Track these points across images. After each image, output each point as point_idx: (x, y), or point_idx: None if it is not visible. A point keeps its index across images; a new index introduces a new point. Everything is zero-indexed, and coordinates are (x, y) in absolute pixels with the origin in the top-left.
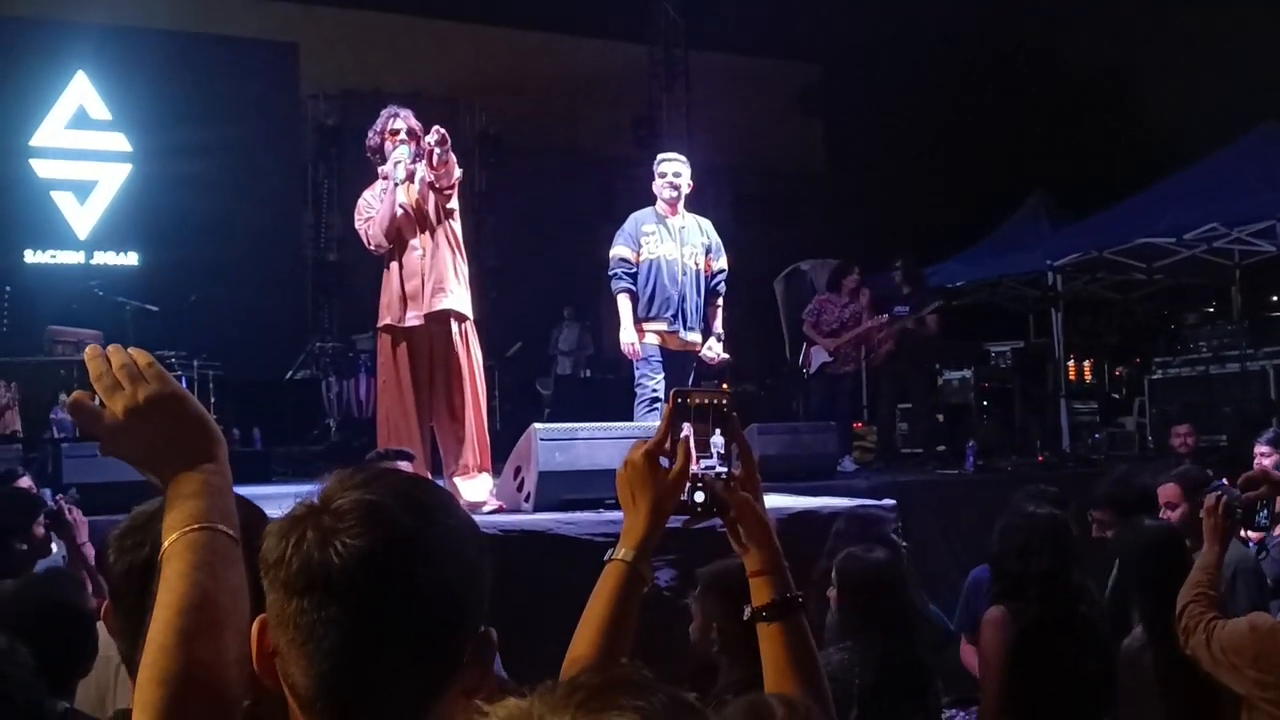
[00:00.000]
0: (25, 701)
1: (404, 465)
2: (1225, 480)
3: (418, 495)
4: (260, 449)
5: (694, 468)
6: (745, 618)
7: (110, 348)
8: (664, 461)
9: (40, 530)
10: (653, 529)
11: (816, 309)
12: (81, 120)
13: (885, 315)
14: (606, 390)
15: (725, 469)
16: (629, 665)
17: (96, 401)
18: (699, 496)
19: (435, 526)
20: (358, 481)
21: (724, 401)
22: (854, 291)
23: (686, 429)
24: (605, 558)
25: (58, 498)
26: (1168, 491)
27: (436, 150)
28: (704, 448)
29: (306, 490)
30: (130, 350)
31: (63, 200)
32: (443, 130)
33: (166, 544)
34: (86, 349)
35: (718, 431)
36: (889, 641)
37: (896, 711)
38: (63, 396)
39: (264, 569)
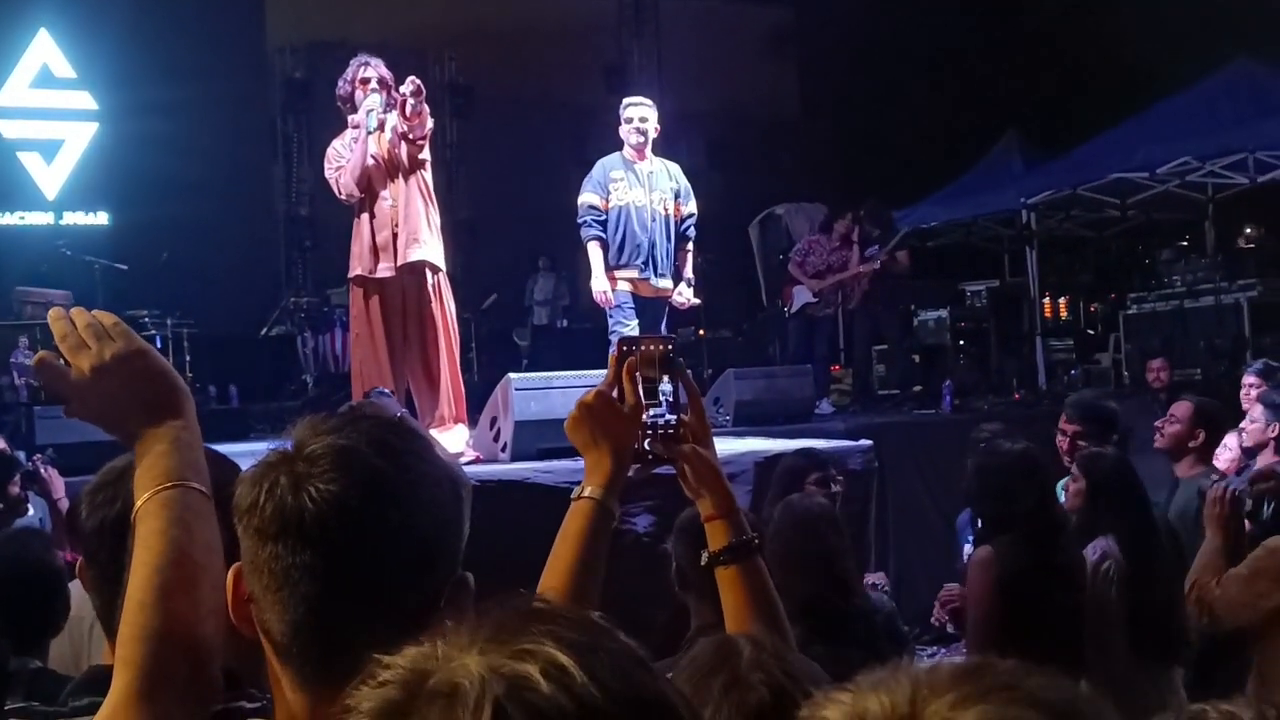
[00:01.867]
0: None
1: (385, 402)
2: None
3: (392, 440)
4: (237, 406)
5: (644, 416)
6: (702, 563)
7: (74, 309)
8: None
9: (15, 489)
10: (619, 466)
11: (805, 249)
12: (46, 79)
13: (875, 261)
14: (583, 339)
15: (674, 416)
16: (530, 594)
17: (62, 362)
18: (647, 444)
19: (409, 471)
20: (331, 426)
21: (669, 347)
22: (844, 237)
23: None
24: (572, 497)
25: (34, 458)
26: (1181, 408)
27: (410, 101)
28: (651, 395)
29: (272, 444)
30: (95, 311)
31: (30, 160)
32: (418, 81)
33: (139, 503)
34: (50, 311)
35: (665, 379)
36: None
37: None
38: (23, 340)
39: (237, 516)
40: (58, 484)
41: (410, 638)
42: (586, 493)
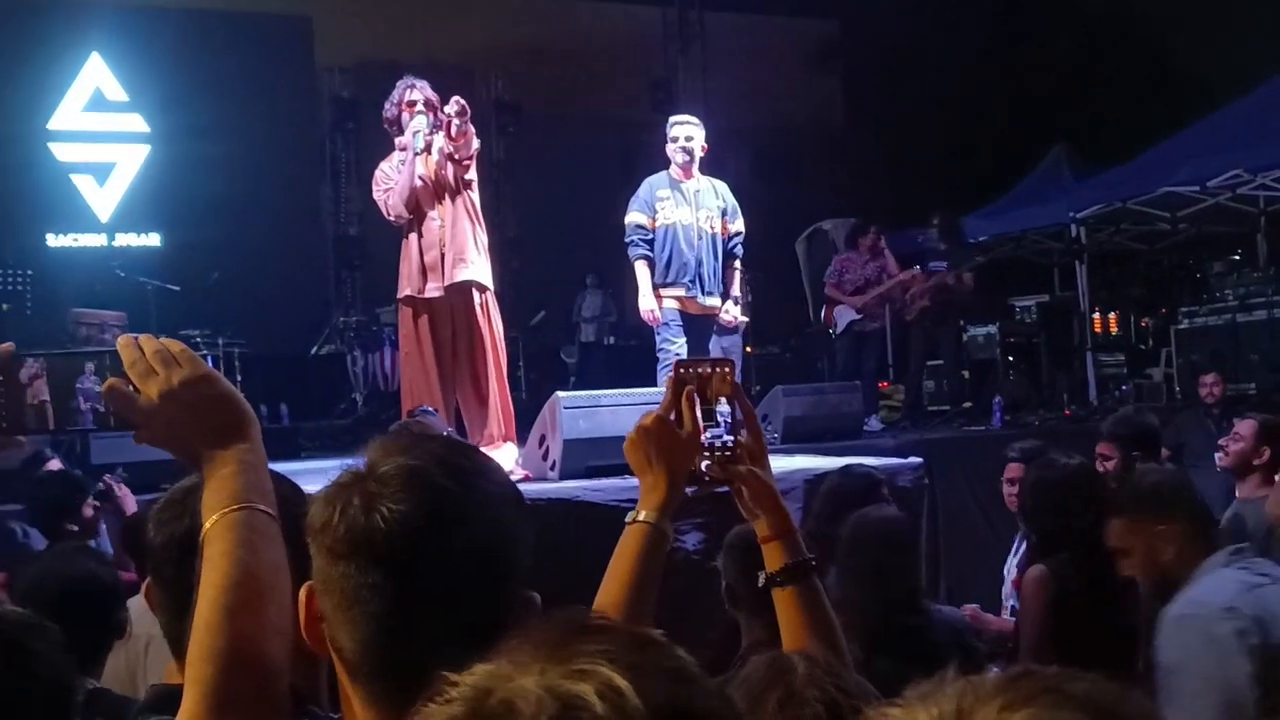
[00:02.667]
0: (52, 679)
1: (431, 420)
2: None
3: (459, 461)
4: (288, 425)
5: (702, 437)
6: (760, 584)
7: (142, 336)
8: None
9: (89, 511)
10: (673, 490)
11: (838, 269)
12: (99, 102)
13: (917, 268)
14: (630, 356)
15: (732, 438)
16: (583, 609)
17: (131, 388)
18: (704, 465)
19: (476, 491)
20: (401, 447)
21: (728, 370)
22: (872, 249)
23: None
24: (627, 520)
25: (105, 477)
26: (1246, 425)
27: (455, 121)
28: (709, 417)
29: (342, 463)
30: (163, 339)
31: (83, 183)
32: (462, 101)
33: (207, 525)
34: (119, 338)
35: (723, 400)
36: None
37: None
38: (89, 365)
39: (310, 534)
40: (129, 502)
41: (480, 655)
42: (641, 516)
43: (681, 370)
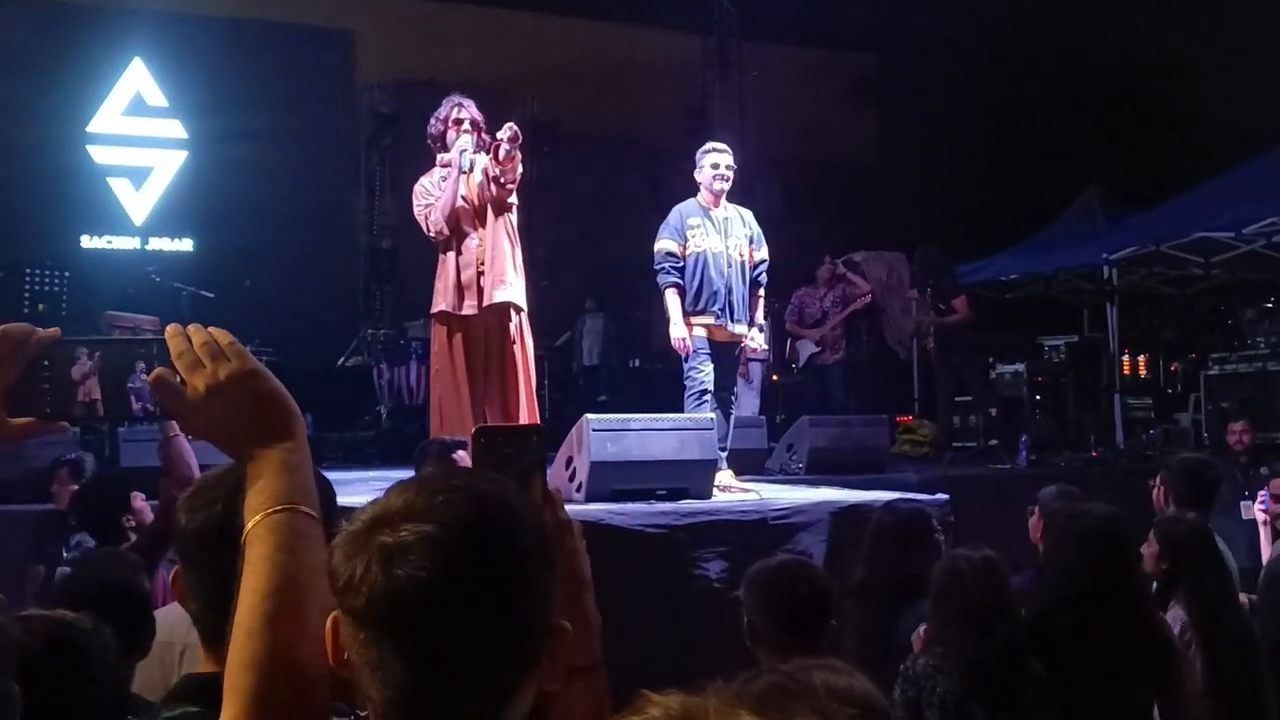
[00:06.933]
0: (110, 681)
1: (461, 454)
2: None
3: (484, 522)
4: (311, 434)
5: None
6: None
7: (191, 326)
8: None
9: (140, 503)
10: None
11: (797, 305)
12: (139, 107)
13: (868, 295)
14: (633, 379)
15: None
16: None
17: (178, 380)
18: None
19: (502, 553)
20: (422, 508)
21: (534, 438)
22: (829, 280)
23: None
24: None
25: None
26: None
27: (506, 147)
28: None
29: (362, 476)
30: (210, 329)
31: (119, 186)
32: (515, 128)
33: (249, 526)
34: (168, 327)
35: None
36: (976, 643)
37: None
38: (140, 366)
39: (332, 585)
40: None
41: (511, 697)
42: None
43: (481, 440)
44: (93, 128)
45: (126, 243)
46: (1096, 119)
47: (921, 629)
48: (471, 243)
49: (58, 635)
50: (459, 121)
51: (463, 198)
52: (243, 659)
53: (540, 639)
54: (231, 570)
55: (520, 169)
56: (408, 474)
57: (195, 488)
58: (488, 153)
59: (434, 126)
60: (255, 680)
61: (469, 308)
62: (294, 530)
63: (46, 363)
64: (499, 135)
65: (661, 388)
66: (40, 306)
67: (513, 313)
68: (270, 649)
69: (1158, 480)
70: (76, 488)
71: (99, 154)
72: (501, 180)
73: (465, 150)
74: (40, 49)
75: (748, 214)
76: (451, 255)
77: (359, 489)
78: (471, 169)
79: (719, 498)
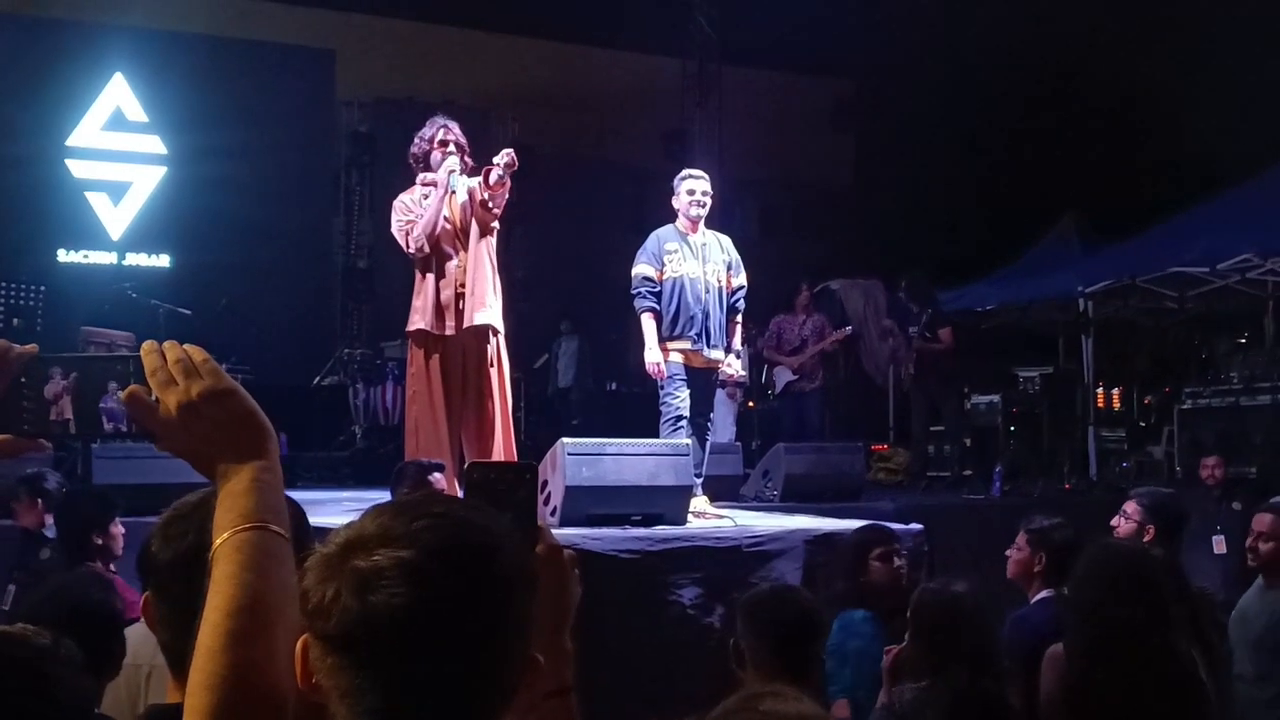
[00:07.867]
0: (72, 703)
1: (437, 476)
2: None
3: (463, 550)
4: (286, 454)
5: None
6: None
7: (166, 343)
8: None
9: (118, 530)
10: None
11: (776, 331)
12: (118, 122)
13: (848, 328)
14: (607, 403)
15: None
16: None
17: (152, 397)
18: None
19: (480, 581)
20: (399, 533)
21: (528, 475)
22: (807, 308)
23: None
24: None
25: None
26: (1263, 523)
27: (499, 172)
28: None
29: (335, 496)
30: (185, 346)
31: (97, 201)
32: (513, 154)
33: (217, 543)
34: (144, 344)
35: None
36: (967, 679)
37: None
38: (113, 385)
39: (302, 609)
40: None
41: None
42: None
43: (473, 475)
44: (72, 142)
45: (104, 258)
46: (1073, 147)
47: (893, 650)
48: (452, 264)
49: (12, 653)
50: (444, 143)
51: (445, 218)
52: (204, 679)
53: (518, 670)
54: (204, 600)
55: (507, 194)
56: (383, 495)
57: (169, 516)
58: (473, 175)
59: (418, 146)
60: (215, 701)
61: (448, 328)
62: (262, 549)
63: (24, 379)
64: (495, 160)
65: (638, 412)
66: (15, 321)
67: (491, 335)
68: (233, 669)
69: (1128, 511)
70: (41, 502)
71: (78, 168)
72: (490, 205)
73: (454, 171)
74: (21, 63)
75: (726, 240)
76: (431, 276)
77: (333, 509)
78: (456, 191)
79: (694, 524)
